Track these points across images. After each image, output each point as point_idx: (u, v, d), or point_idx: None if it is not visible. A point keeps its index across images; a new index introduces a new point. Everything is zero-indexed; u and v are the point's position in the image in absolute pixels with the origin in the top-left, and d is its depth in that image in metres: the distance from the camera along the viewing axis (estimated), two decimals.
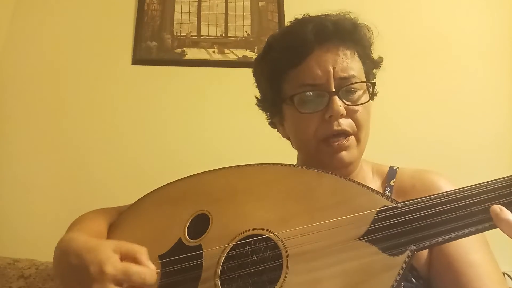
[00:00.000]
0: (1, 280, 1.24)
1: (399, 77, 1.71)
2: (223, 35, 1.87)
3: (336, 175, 0.73)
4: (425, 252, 0.79)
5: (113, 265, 0.63)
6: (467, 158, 1.71)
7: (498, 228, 0.58)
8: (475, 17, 1.91)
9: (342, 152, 0.83)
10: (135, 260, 0.66)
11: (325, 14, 0.90)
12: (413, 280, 0.77)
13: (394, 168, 0.93)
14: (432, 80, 1.82)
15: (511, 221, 0.56)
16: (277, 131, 1.00)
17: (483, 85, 1.83)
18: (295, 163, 0.97)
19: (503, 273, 1.23)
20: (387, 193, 0.87)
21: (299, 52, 0.85)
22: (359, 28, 0.89)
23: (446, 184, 0.85)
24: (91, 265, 0.64)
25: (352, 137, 0.83)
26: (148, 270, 0.66)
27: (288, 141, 0.97)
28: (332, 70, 0.83)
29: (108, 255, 0.64)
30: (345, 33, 0.87)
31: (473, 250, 0.77)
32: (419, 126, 1.76)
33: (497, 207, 0.57)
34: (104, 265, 0.63)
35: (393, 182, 0.90)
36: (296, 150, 0.97)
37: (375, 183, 0.92)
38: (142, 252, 0.67)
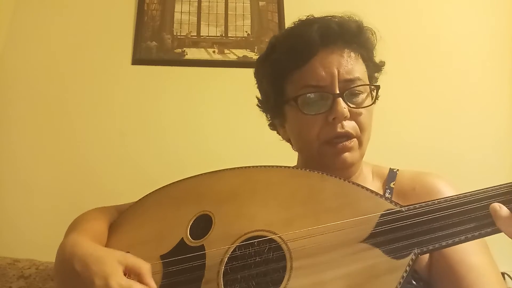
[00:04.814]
0: (1, 280, 1.24)
1: (399, 80, 1.71)
2: (223, 35, 1.87)
3: (340, 179, 0.74)
4: (426, 255, 0.79)
5: (118, 281, 0.65)
6: (467, 160, 1.71)
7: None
8: (475, 21, 1.91)
9: (345, 154, 0.83)
10: (138, 276, 0.68)
11: (329, 16, 0.90)
12: (414, 282, 0.77)
13: (394, 170, 0.94)
14: (432, 83, 1.82)
15: (507, 217, 0.57)
16: (277, 133, 1.00)
17: (483, 87, 1.83)
18: (294, 164, 0.97)
19: (503, 274, 1.24)
20: (387, 195, 0.88)
21: (303, 53, 0.85)
22: (364, 30, 0.90)
23: (446, 187, 0.85)
24: (96, 276, 0.65)
25: (355, 140, 0.84)
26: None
27: (288, 142, 0.98)
28: (336, 72, 0.83)
29: (113, 269, 0.66)
30: (350, 35, 0.87)
31: (473, 253, 0.77)
32: (419, 129, 1.76)
33: (496, 205, 0.59)
34: (109, 279, 0.64)
35: (393, 184, 0.90)
36: (296, 152, 0.97)
37: (375, 185, 0.92)
38: (146, 270, 0.69)
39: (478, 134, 1.77)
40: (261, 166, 0.82)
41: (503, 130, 1.79)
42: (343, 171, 0.84)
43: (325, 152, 0.84)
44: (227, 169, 0.84)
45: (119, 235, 0.85)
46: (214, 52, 1.84)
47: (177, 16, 1.88)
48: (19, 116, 1.73)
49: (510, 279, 1.34)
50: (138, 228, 0.85)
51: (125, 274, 0.67)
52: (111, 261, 0.67)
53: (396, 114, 1.73)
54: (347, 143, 0.83)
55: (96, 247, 0.72)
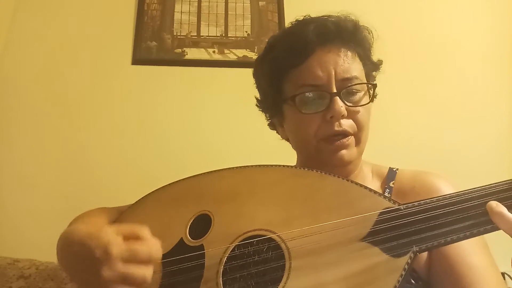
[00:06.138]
0: (1, 280, 1.24)
1: (399, 80, 1.72)
2: (223, 35, 1.88)
3: (339, 177, 0.74)
4: (424, 254, 0.79)
5: (118, 245, 0.62)
6: (467, 159, 1.71)
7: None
8: (475, 20, 1.91)
9: (342, 151, 0.83)
10: (138, 238, 0.65)
11: (326, 15, 0.90)
12: (413, 281, 0.77)
13: (394, 169, 0.94)
14: (432, 83, 1.82)
15: (504, 213, 0.57)
16: (276, 132, 1.00)
17: (483, 87, 1.84)
18: (294, 163, 0.97)
19: (503, 274, 1.24)
20: (386, 194, 0.87)
21: (300, 52, 0.85)
22: (360, 29, 0.90)
23: (445, 186, 0.85)
24: (95, 249, 0.62)
25: (351, 137, 0.84)
26: (153, 245, 0.65)
27: (287, 142, 0.98)
28: (333, 71, 0.83)
29: (111, 237, 0.63)
30: (347, 34, 0.87)
31: (473, 253, 0.77)
32: (418, 128, 1.77)
33: (493, 202, 0.59)
34: (109, 247, 0.61)
35: (393, 183, 0.90)
36: (295, 151, 0.97)
37: (375, 184, 0.92)
38: (143, 229, 0.66)
39: (478, 133, 1.77)
40: (260, 165, 0.82)
41: (503, 128, 1.79)
42: (340, 168, 0.85)
43: (322, 149, 0.84)
44: (226, 168, 0.84)
45: None
46: (214, 52, 1.84)
47: (177, 16, 1.88)
48: (19, 116, 1.74)
49: (510, 279, 1.35)
50: None
51: None
52: (106, 233, 0.64)
53: (396, 113, 1.73)
54: (344, 140, 0.83)
55: (90, 227, 0.70)
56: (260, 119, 1.02)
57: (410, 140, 1.74)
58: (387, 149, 1.48)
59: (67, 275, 0.72)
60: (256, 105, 1.01)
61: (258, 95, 1.00)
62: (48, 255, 1.10)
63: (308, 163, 0.89)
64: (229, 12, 1.90)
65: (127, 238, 0.64)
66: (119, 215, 0.89)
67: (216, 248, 0.73)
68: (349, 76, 0.84)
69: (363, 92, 0.86)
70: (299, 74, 0.86)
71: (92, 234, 0.65)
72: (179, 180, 0.88)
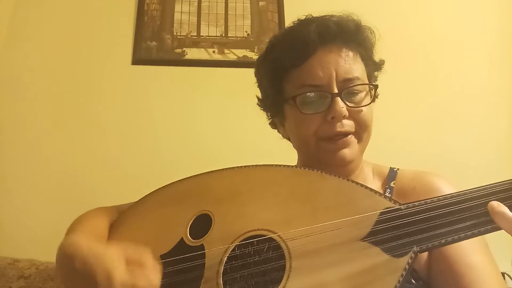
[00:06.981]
0: (1, 280, 1.24)
1: (400, 80, 1.72)
2: (223, 35, 1.88)
3: (339, 177, 0.74)
4: (425, 254, 0.79)
5: (121, 275, 0.64)
6: (467, 161, 1.71)
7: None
8: (477, 20, 1.91)
9: (344, 149, 0.83)
10: (140, 263, 0.67)
11: (328, 15, 0.89)
12: (413, 281, 0.77)
13: (395, 169, 0.93)
14: (433, 83, 1.82)
15: (505, 213, 0.57)
16: (278, 131, 1.00)
17: (485, 89, 1.84)
18: (295, 163, 0.97)
19: (503, 274, 1.24)
20: (387, 194, 0.87)
21: (301, 52, 0.85)
22: (362, 29, 0.89)
23: (446, 186, 0.85)
24: (98, 273, 0.64)
25: (353, 135, 0.84)
26: (153, 273, 0.67)
27: (289, 141, 0.98)
28: (334, 72, 0.83)
29: (115, 263, 0.65)
30: (348, 34, 0.87)
31: (473, 252, 0.77)
32: (419, 129, 1.77)
33: (494, 202, 0.59)
34: (112, 275, 0.63)
35: (393, 183, 0.90)
36: (296, 150, 0.97)
37: (376, 184, 0.92)
38: (146, 255, 0.68)
39: (479, 133, 1.77)
40: (260, 165, 0.82)
41: (504, 129, 1.79)
42: (341, 168, 0.84)
43: (323, 149, 0.84)
44: (226, 168, 0.84)
45: (119, 234, 0.85)
46: (214, 52, 1.85)
47: (177, 16, 1.88)
48: (18, 116, 1.74)
49: (510, 279, 1.35)
50: (138, 227, 0.85)
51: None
52: (111, 257, 0.66)
53: (396, 114, 1.73)
54: (345, 138, 0.83)
55: (94, 244, 0.71)
56: (260, 119, 1.02)
57: (411, 141, 1.74)
58: (387, 150, 1.47)
59: (64, 285, 0.72)
60: (258, 104, 1.00)
61: (259, 94, 0.99)
62: (48, 255, 1.10)
63: (308, 163, 0.89)
64: (229, 12, 1.90)
65: (130, 262, 0.66)
66: (120, 216, 0.89)
67: (217, 248, 0.73)
68: (350, 77, 0.84)
69: (364, 93, 0.86)
70: (300, 74, 0.86)
71: (96, 255, 0.66)
72: (180, 180, 0.88)
